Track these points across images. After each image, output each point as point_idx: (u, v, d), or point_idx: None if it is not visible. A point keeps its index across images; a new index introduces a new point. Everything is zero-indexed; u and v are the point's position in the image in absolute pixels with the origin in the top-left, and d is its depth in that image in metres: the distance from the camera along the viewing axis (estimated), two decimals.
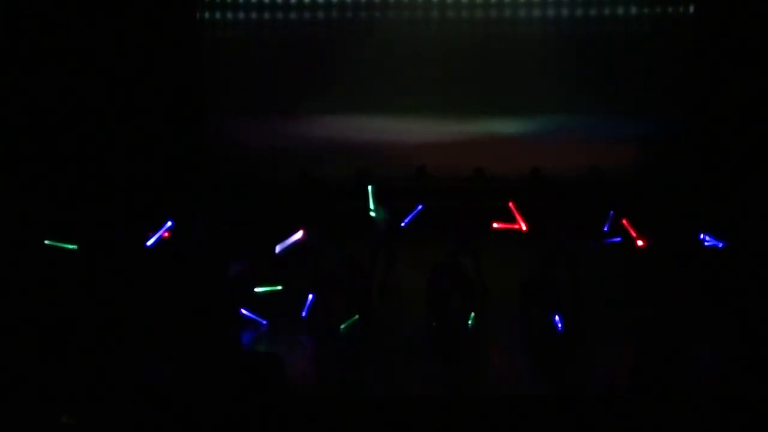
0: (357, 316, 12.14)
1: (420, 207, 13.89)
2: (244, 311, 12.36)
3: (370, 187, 13.56)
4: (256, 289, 12.61)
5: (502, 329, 12.22)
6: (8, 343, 11.41)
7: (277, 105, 18.83)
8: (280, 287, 12.76)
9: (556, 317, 11.78)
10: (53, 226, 15.36)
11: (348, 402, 9.77)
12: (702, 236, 12.78)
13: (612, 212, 13.63)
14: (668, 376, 10.26)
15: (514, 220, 13.52)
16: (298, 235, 13.16)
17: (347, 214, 14.38)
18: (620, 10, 18.71)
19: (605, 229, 13.33)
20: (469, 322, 11.95)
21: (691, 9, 18.48)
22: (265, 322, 12.39)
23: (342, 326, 12.11)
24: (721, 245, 12.61)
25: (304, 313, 12.50)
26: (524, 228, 13.39)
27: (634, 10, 18.69)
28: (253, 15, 19.04)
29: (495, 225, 13.61)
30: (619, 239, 13.20)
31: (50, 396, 9.71)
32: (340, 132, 18.83)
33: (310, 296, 12.54)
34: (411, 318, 12.48)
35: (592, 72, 18.40)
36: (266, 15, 19.05)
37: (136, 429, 9.24)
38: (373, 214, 13.50)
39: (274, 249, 13.07)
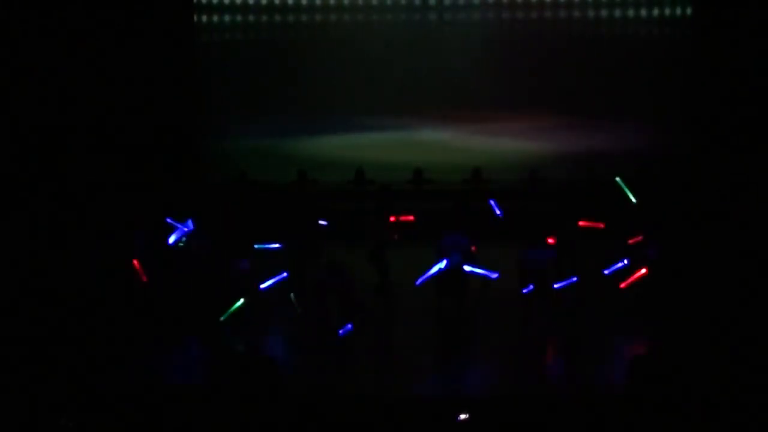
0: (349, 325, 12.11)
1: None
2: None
3: None
4: (262, 285, 12.58)
5: (501, 329, 12.21)
6: (8, 344, 11.39)
7: (274, 106, 18.88)
8: (285, 274, 12.67)
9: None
10: (52, 225, 15.41)
11: (345, 403, 9.74)
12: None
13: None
14: (667, 377, 10.29)
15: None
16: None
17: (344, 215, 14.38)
18: (617, 12, 18.76)
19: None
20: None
21: (689, 11, 18.53)
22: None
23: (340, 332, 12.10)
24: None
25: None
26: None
27: (631, 12, 18.73)
28: (251, 18, 19.08)
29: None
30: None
31: (49, 397, 9.69)
32: (338, 134, 18.87)
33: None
34: (409, 318, 12.47)
35: (590, 74, 18.43)
36: (263, 18, 19.09)
37: (134, 431, 9.22)
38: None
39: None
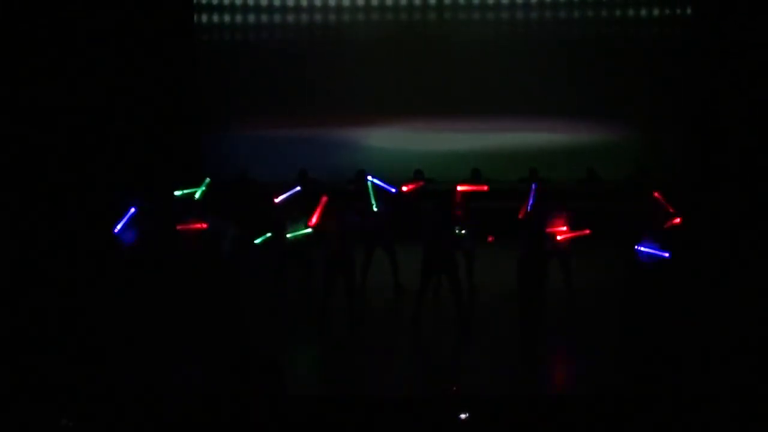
0: None
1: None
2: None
3: (370, 182, 13.41)
4: (289, 235, 12.80)
5: (499, 329, 12.21)
6: (8, 343, 11.40)
7: (273, 106, 18.90)
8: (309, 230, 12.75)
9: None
10: (54, 225, 15.42)
11: (345, 404, 9.75)
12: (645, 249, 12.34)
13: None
14: (664, 376, 10.30)
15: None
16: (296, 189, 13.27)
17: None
18: (618, 12, 18.79)
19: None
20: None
21: (689, 10, 18.55)
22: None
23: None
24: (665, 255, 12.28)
25: None
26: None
27: (631, 12, 18.75)
28: (251, 18, 19.10)
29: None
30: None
31: (50, 398, 9.69)
32: (338, 133, 18.90)
33: None
34: (409, 318, 12.46)
35: (590, 73, 18.45)
36: (263, 18, 19.11)
37: (134, 431, 9.23)
38: (374, 208, 13.32)
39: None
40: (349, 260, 12.29)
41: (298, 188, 13.35)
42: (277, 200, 13.25)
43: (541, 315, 11.95)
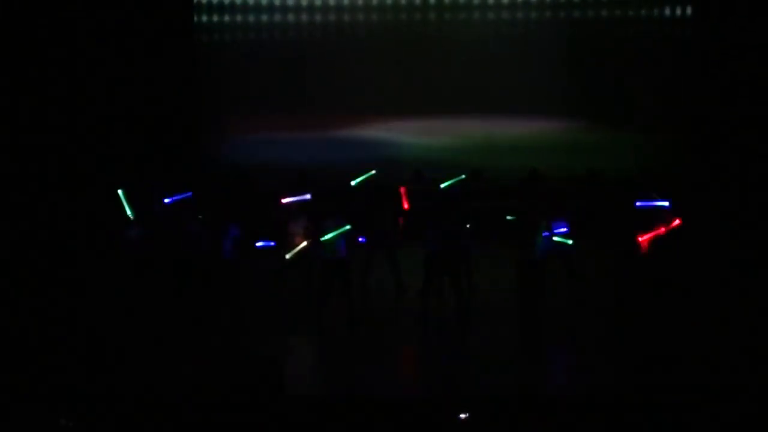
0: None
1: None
2: None
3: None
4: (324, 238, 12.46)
5: (499, 329, 12.21)
6: (8, 343, 11.40)
7: (273, 106, 18.89)
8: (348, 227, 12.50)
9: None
10: (54, 225, 15.41)
11: (346, 404, 9.75)
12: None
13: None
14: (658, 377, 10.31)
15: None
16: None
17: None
18: (618, 12, 18.78)
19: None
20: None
21: (689, 10, 18.55)
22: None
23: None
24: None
25: None
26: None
27: (631, 12, 18.75)
28: (251, 18, 19.09)
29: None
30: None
31: (50, 398, 9.69)
32: (337, 134, 18.89)
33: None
34: (409, 318, 12.47)
35: (590, 73, 18.45)
36: (263, 18, 19.09)
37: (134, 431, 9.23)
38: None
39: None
40: (343, 263, 12.28)
41: (308, 196, 13.30)
42: (283, 201, 13.22)
43: (540, 315, 11.98)
